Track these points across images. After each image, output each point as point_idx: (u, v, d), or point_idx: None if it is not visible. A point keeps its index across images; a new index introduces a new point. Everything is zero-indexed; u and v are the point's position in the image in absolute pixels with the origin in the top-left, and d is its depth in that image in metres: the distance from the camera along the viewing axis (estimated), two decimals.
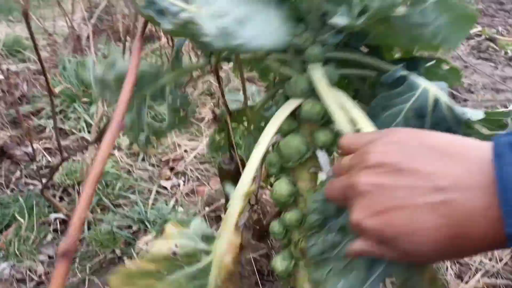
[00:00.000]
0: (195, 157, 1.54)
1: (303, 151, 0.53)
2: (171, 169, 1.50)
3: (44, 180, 1.14)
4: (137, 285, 0.48)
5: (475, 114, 0.49)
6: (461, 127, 0.47)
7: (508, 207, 0.27)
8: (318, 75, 0.49)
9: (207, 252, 0.52)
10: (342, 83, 0.63)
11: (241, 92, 0.74)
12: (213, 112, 0.64)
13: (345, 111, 0.48)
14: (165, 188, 1.39)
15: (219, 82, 0.60)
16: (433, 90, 0.47)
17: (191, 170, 1.48)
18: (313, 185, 0.56)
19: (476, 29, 2.86)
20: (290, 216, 0.54)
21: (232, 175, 0.63)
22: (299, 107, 0.52)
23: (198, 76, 0.66)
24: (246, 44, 0.46)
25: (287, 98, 0.53)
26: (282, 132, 0.54)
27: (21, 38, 2.34)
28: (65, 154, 0.99)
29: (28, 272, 1.02)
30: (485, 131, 0.47)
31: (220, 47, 0.45)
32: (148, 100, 0.63)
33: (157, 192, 1.36)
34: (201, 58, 0.64)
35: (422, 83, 0.48)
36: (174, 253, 0.52)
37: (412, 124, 0.47)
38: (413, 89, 0.48)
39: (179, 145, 1.60)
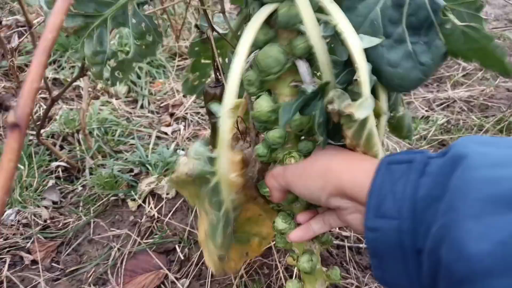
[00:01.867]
0: (194, 102, 1.50)
1: (282, 61, 0.48)
2: (171, 115, 1.47)
3: (41, 128, 1.12)
4: (188, 189, 0.56)
5: None
6: (439, 14, 0.43)
7: (369, 206, 0.39)
8: None
9: (213, 173, 0.51)
10: None
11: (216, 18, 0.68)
12: (196, 26, 0.58)
13: (322, 7, 0.44)
14: (165, 133, 1.37)
15: None
16: None
17: (191, 115, 1.45)
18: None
19: None
20: (273, 133, 0.51)
21: (219, 100, 0.58)
22: (275, 13, 0.47)
23: None
24: None
25: (262, 4, 0.48)
26: (259, 43, 0.49)
27: None
28: (54, 94, 0.96)
29: (33, 217, 1.03)
30: (457, 21, 0.43)
31: None
32: (109, 25, 0.57)
33: (158, 137, 1.34)
34: None
35: None
36: (190, 177, 0.51)
37: (389, 14, 0.44)
38: None
39: (177, 91, 1.56)
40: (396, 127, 0.61)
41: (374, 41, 0.43)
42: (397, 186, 0.38)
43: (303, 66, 0.48)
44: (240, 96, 0.47)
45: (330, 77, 0.46)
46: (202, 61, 0.74)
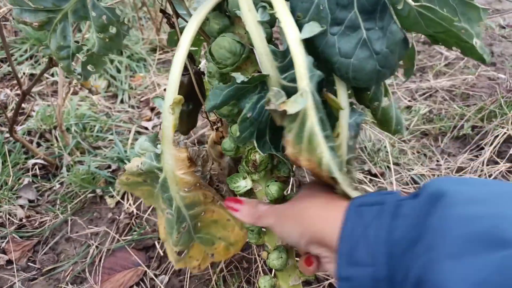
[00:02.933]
0: None
1: (238, 51, 0.45)
2: (152, 109, 1.45)
3: (15, 125, 1.09)
4: (141, 190, 0.56)
5: None
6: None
7: (341, 253, 0.37)
8: None
9: (160, 169, 0.49)
10: None
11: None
12: (162, 11, 0.55)
13: None
14: (146, 128, 1.34)
15: None
16: None
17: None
18: None
19: None
20: (236, 128, 0.50)
21: (185, 88, 0.56)
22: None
23: None
24: None
25: None
26: (214, 33, 0.47)
27: None
28: (24, 87, 0.93)
29: (8, 216, 1.00)
30: (410, 1, 0.40)
31: None
32: (70, 19, 0.56)
33: (138, 132, 1.31)
34: None
35: None
36: (141, 170, 0.50)
37: None
38: None
39: (158, 85, 1.54)
40: (382, 120, 0.58)
41: (315, 29, 0.40)
42: (369, 230, 0.35)
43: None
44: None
45: (270, 69, 0.43)
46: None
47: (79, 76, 0.59)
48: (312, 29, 0.40)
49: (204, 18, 0.46)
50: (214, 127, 0.58)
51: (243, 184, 0.54)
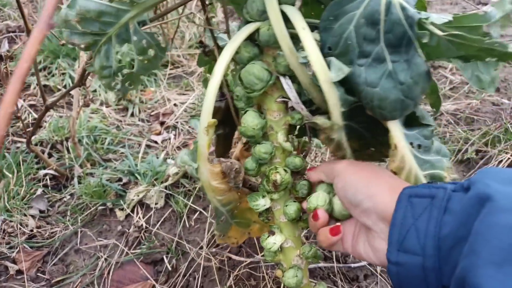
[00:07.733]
0: (185, 110, 1.51)
1: (265, 77, 0.49)
2: (162, 123, 1.47)
3: (32, 135, 1.11)
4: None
5: (440, 18, 0.44)
6: (415, 29, 0.42)
7: (392, 240, 0.40)
8: None
9: (198, 178, 0.55)
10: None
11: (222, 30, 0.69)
12: (200, 42, 0.59)
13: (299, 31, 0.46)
14: (155, 142, 1.37)
15: (204, 8, 0.55)
16: None
17: (181, 123, 1.45)
18: (281, 116, 0.53)
19: None
20: (259, 148, 0.52)
21: (222, 112, 0.60)
22: (258, 31, 0.49)
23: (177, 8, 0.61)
24: None
25: (247, 22, 0.49)
26: (244, 60, 0.51)
27: None
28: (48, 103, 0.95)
29: (19, 226, 1.02)
30: (438, 32, 0.42)
31: None
32: (114, 42, 0.60)
33: (148, 146, 1.34)
34: None
35: None
36: (185, 174, 0.55)
37: (364, 32, 0.43)
38: None
39: (168, 100, 1.56)
40: None
41: (344, 70, 0.43)
42: (419, 221, 0.38)
43: (286, 83, 0.50)
44: None
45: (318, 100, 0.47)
46: None
47: (119, 92, 0.63)
48: (339, 70, 0.43)
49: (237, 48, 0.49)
50: (245, 147, 0.62)
51: (262, 202, 0.56)
